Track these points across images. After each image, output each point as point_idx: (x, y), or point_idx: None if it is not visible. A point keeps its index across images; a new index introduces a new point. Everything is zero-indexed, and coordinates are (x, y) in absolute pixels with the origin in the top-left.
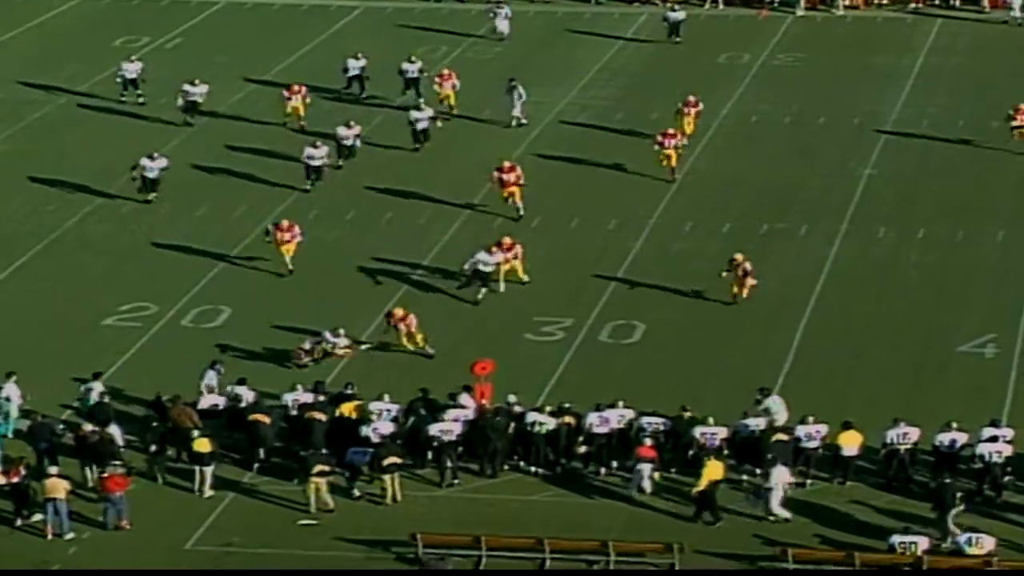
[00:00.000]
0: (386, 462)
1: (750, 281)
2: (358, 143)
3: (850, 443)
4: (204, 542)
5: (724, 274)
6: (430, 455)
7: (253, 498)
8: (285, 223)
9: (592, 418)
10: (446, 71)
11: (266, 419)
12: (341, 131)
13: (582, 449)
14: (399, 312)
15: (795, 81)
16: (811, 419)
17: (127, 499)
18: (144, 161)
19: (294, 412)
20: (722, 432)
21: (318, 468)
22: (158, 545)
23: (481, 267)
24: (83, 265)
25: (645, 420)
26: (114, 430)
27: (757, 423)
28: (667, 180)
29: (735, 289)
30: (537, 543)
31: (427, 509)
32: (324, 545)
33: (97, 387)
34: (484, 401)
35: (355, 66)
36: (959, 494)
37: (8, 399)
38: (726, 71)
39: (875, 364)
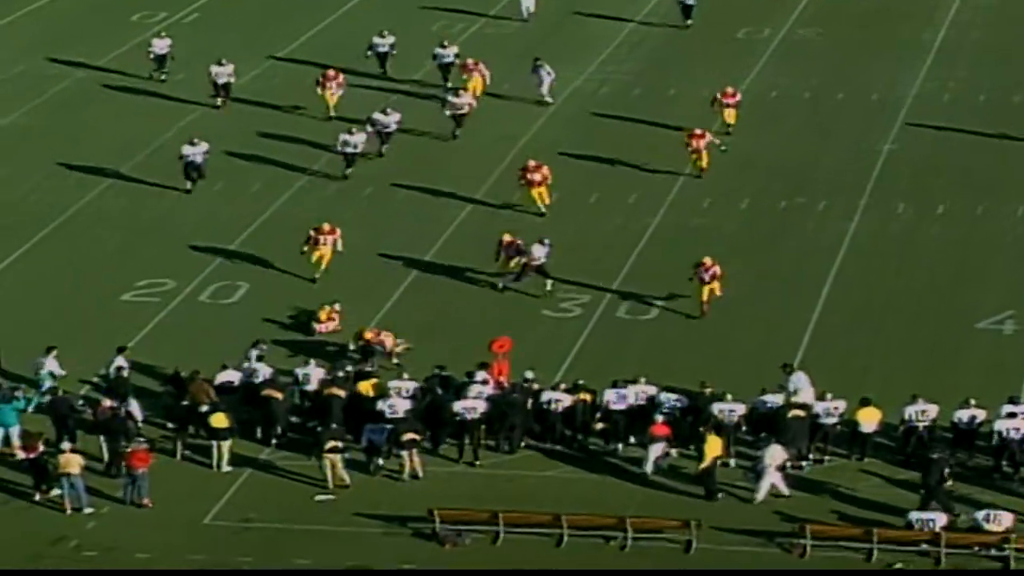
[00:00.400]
0: (404, 438)
1: (716, 285)
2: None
3: (868, 419)
4: (222, 517)
5: (691, 280)
6: (450, 430)
7: (270, 474)
8: (327, 226)
9: (610, 395)
10: (471, 61)
11: (278, 395)
12: (378, 117)
13: (599, 425)
14: (368, 334)
15: (815, 55)
16: (829, 395)
17: (148, 476)
18: (186, 149)
19: (307, 387)
20: (740, 408)
21: (331, 444)
22: (177, 520)
23: (534, 261)
24: (100, 241)
25: (663, 396)
26: (133, 405)
27: (776, 399)
28: (695, 176)
29: (703, 297)
30: (555, 519)
31: (445, 485)
32: (342, 521)
33: (118, 361)
34: (502, 379)
35: (382, 44)
36: (947, 470)
37: (52, 373)
38: (745, 46)
39: (894, 340)
